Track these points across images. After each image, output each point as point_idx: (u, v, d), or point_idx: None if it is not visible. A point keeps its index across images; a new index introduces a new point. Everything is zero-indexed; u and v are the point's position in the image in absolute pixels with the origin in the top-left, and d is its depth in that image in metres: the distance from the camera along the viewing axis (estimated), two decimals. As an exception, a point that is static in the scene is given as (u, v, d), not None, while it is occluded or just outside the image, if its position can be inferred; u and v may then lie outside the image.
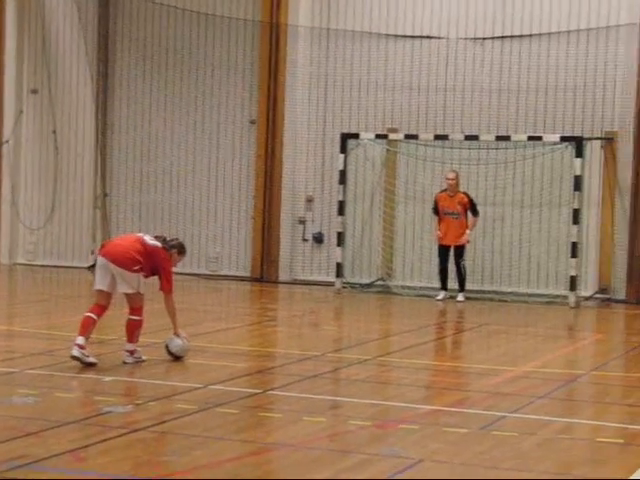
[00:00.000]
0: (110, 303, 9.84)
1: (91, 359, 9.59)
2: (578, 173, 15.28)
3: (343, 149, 16.57)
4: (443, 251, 15.79)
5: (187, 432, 7.42)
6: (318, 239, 17.65)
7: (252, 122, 18.01)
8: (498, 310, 15.11)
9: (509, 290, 16.22)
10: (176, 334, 9.97)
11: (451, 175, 15.78)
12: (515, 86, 16.57)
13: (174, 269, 10.00)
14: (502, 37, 16.63)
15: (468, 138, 16.15)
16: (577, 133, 15.93)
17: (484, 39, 16.73)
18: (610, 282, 16.04)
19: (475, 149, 16.41)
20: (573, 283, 15.30)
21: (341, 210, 16.60)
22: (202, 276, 17.86)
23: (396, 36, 17.20)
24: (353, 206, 17.05)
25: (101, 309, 9.76)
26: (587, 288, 15.97)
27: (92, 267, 9.92)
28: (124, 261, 9.57)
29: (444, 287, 15.81)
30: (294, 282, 17.53)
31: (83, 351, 9.55)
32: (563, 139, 15.61)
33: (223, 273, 18.19)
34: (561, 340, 12.99)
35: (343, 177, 16.60)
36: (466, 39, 16.81)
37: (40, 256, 19.43)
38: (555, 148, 15.83)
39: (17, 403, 8.13)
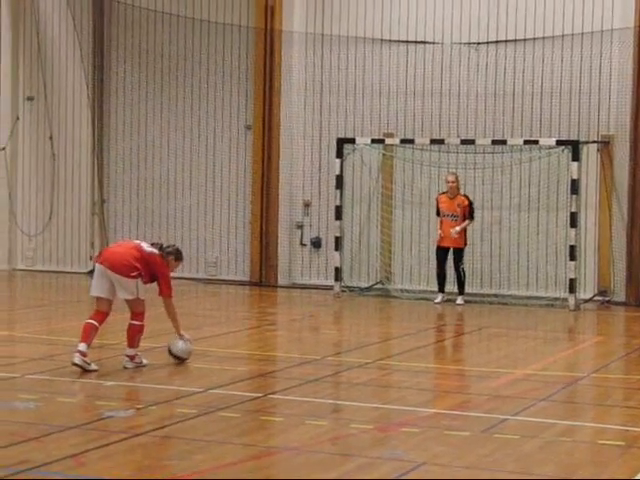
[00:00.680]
0: (111, 309, 9.86)
1: (93, 367, 9.59)
2: (575, 177, 15.31)
3: (339, 154, 16.59)
4: (441, 253, 15.81)
5: (188, 436, 7.41)
6: (316, 244, 17.68)
7: (248, 128, 18.03)
8: (498, 313, 15.12)
9: (508, 293, 16.23)
10: (179, 336, 10.01)
11: (451, 177, 15.80)
12: (510, 90, 16.60)
13: (172, 274, 10.03)
14: (497, 42, 16.66)
15: (464, 142, 16.17)
16: (573, 137, 15.96)
17: (479, 44, 16.76)
18: (609, 284, 16.07)
19: (471, 153, 16.43)
20: (572, 286, 15.32)
21: (338, 215, 16.62)
22: (201, 281, 17.86)
23: (391, 41, 17.22)
24: (351, 210, 17.06)
25: (102, 315, 9.79)
26: (586, 291, 15.99)
27: (92, 272, 9.97)
28: (121, 268, 9.62)
29: (442, 290, 15.82)
30: (293, 286, 17.54)
31: (85, 358, 9.54)
32: (559, 143, 15.63)
33: (222, 277, 18.20)
34: (561, 343, 13.00)
35: (340, 182, 16.61)
36: (461, 44, 16.84)
37: (39, 262, 19.45)
38: (551, 152, 15.85)
39: (18, 408, 8.13)
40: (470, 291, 15.93)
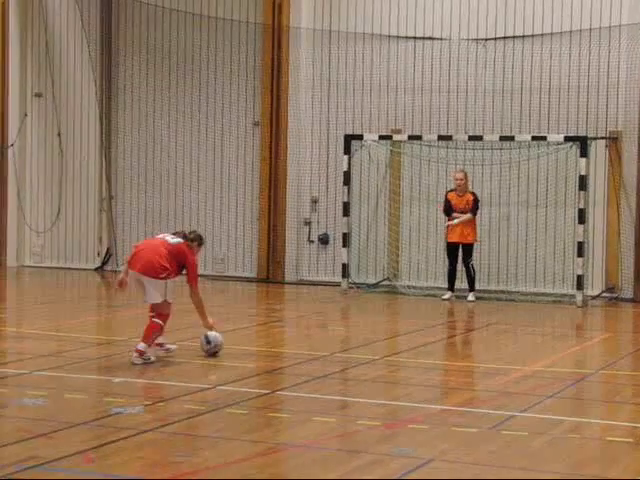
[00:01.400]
0: (170, 310, 10.12)
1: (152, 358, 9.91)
2: (583, 173, 15.27)
3: (347, 150, 16.58)
4: (452, 250, 15.77)
5: (196, 433, 7.42)
6: (324, 240, 17.68)
7: (256, 124, 18.03)
8: (505, 309, 15.10)
9: (516, 289, 16.21)
10: (207, 326, 10.23)
11: (459, 175, 15.77)
12: (518, 86, 16.56)
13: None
14: (505, 38, 16.63)
15: (472, 138, 16.15)
16: (581, 133, 15.92)
17: (487, 40, 16.73)
18: (617, 281, 16.03)
19: (479, 149, 16.40)
20: (580, 282, 15.29)
21: (346, 211, 16.61)
22: (209, 277, 17.87)
23: (399, 37, 17.20)
24: (358, 207, 17.06)
25: (165, 317, 10.07)
26: (594, 287, 15.96)
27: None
28: (151, 271, 9.88)
29: (451, 288, 15.79)
30: (300, 282, 17.54)
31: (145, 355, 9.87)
32: (567, 139, 15.60)
33: (229, 274, 18.21)
34: (569, 339, 12.98)
35: (348, 178, 16.61)
36: (469, 40, 16.81)
37: (47, 258, 19.49)
38: (560, 148, 15.82)
39: (27, 405, 8.15)
40: (478, 287, 15.92)
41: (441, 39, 16.94)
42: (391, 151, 17.00)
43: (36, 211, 19.55)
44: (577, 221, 15.38)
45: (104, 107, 18.99)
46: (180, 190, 18.65)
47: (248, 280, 17.85)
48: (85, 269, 18.85)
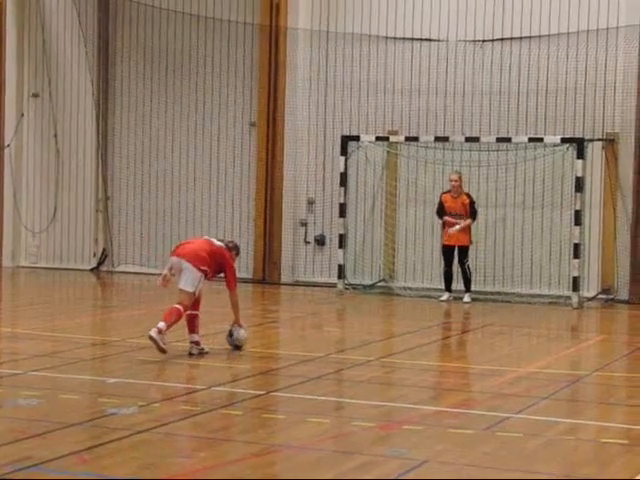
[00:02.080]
0: (191, 306, 10.46)
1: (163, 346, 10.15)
2: (579, 174, 15.29)
3: (344, 151, 16.58)
4: (447, 252, 15.79)
5: (191, 433, 7.42)
6: (320, 241, 17.68)
7: (252, 125, 18.03)
8: (501, 311, 15.10)
9: (512, 291, 16.21)
10: (239, 325, 10.75)
11: (454, 177, 15.78)
12: (515, 88, 16.57)
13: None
14: (502, 39, 16.63)
15: (469, 140, 16.16)
16: (578, 134, 15.93)
17: (484, 41, 16.74)
18: (613, 283, 16.04)
19: (476, 151, 16.41)
20: (576, 284, 15.30)
21: (342, 212, 16.62)
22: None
23: (396, 38, 17.21)
24: (355, 208, 17.06)
25: (185, 308, 10.41)
26: (590, 289, 15.97)
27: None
28: (195, 258, 10.40)
29: (448, 289, 15.80)
30: (296, 284, 17.54)
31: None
32: (564, 140, 15.61)
33: (225, 275, 18.17)
34: (565, 341, 12.99)
35: (344, 179, 16.61)
36: (466, 41, 16.81)
37: (43, 259, 19.47)
38: (556, 149, 15.83)
39: (21, 405, 8.14)
40: (474, 289, 15.92)
41: (438, 40, 16.94)
42: (388, 152, 17.01)
43: (32, 211, 19.53)
44: (573, 223, 15.39)
45: (101, 108, 18.97)
46: (176, 191, 18.64)
47: (244, 281, 17.76)
48: (81, 270, 18.82)
